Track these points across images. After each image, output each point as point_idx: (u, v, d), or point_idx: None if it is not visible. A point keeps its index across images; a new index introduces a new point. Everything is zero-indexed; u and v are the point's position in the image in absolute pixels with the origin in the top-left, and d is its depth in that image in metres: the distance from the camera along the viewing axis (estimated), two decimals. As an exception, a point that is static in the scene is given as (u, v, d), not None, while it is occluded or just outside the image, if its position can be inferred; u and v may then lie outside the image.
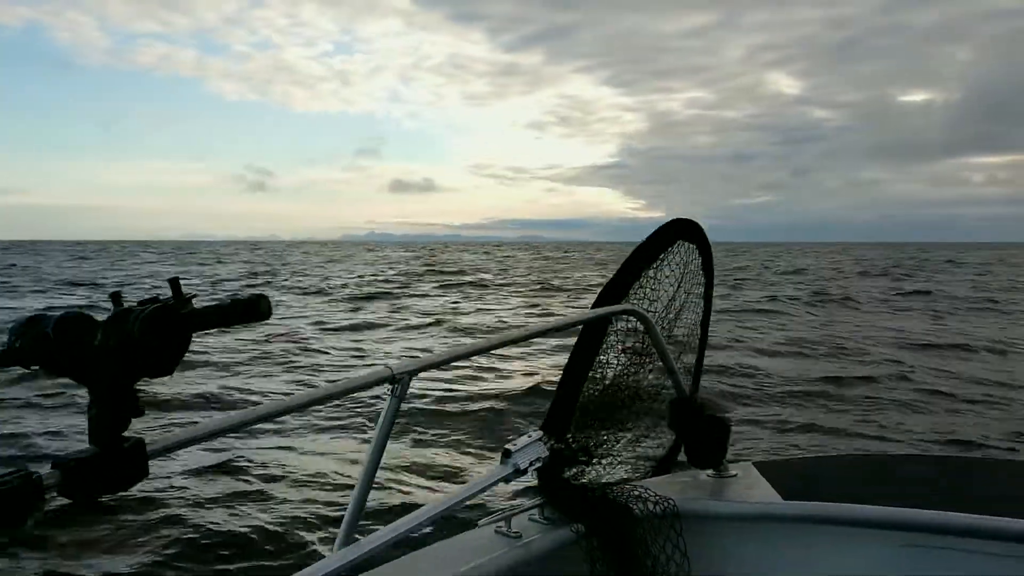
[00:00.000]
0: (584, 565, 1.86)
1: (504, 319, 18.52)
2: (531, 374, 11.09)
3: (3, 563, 4.81)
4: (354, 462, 7.10)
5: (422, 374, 1.63)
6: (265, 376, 11.50)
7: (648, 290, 2.19)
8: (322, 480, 6.60)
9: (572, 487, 1.98)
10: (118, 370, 0.98)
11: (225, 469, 6.91)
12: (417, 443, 7.67)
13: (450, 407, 9.00)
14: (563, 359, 2.16)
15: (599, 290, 2.18)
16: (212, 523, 5.63)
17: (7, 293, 26.90)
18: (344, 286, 31.14)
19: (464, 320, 19.11)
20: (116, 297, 1.01)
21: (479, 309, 21.93)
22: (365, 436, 7.89)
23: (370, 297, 25.56)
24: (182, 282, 1.05)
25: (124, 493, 1.07)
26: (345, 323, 18.29)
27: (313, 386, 9.31)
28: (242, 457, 7.18)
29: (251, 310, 1.02)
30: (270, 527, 5.55)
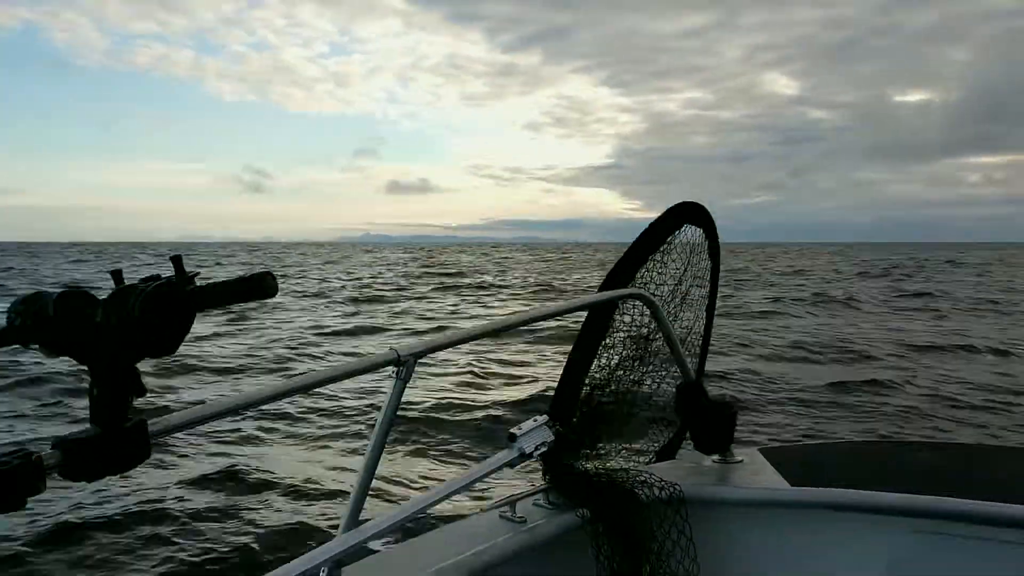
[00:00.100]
0: (589, 550, 1.85)
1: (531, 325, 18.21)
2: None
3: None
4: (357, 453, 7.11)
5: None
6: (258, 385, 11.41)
7: (654, 274, 2.17)
8: (326, 464, 6.60)
9: (577, 472, 1.97)
10: (119, 349, 0.96)
11: (227, 452, 6.92)
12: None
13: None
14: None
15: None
16: (213, 505, 5.65)
17: (5, 296, 26.85)
18: (343, 287, 31.23)
19: (465, 324, 18.98)
20: (117, 275, 0.99)
21: (481, 314, 21.81)
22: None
23: (370, 300, 25.57)
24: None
25: (126, 474, 1.05)
26: (346, 326, 18.23)
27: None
28: (244, 439, 7.18)
29: (256, 287, 0.99)
30: (274, 512, 5.56)
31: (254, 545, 5.03)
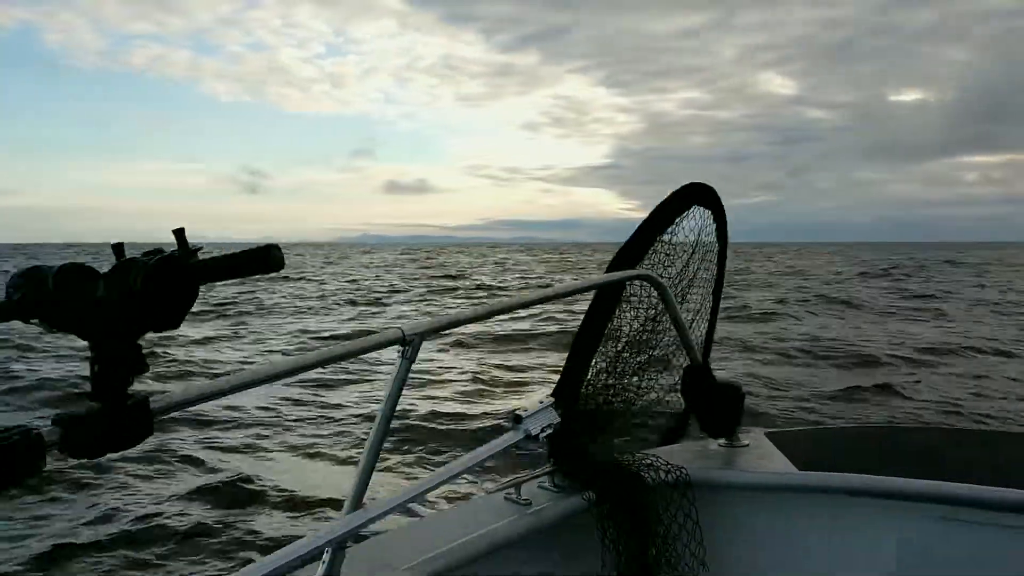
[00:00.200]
0: (595, 533, 1.83)
1: (522, 328, 17.74)
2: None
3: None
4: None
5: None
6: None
7: (662, 255, 2.15)
8: (330, 444, 6.56)
9: (583, 454, 1.94)
10: (121, 324, 0.93)
11: (233, 429, 6.89)
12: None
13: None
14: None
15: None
16: (219, 481, 5.64)
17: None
18: (340, 291, 31.14)
19: (472, 328, 18.52)
20: (119, 248, 0.96)
21: (502, 319, 21.40)
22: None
23: (369, 303, 25.45)
24: None
25: (126, 451, 1.03)
26: (342, 331, 18.10)
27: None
28: (249, 416, 7.15)
29: (262, 260, 0.95)
30: (279, 491, 5.55)
31: (256, 526, 5.02)
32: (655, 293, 2.11)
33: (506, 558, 1.70)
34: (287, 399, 9.09)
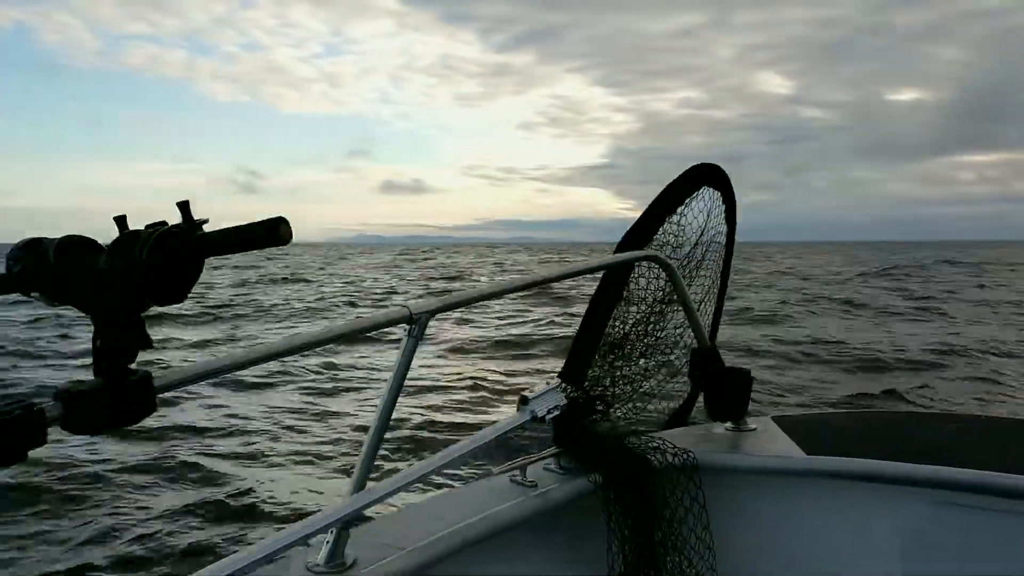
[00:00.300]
0: (601, 515, 1.82)
1: (528, 334, 17.47)
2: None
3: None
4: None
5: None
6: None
7: (671, 236, 2.13)
8: (336, 425, 6.52)
9: (589, 436, 1.92)
10: (124, 297, 0.91)
11: (236, 412, 6.86)
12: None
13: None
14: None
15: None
16: (224, 470, 5.60)
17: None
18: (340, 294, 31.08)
19: (469, 332, 18.38)
20: (122, 221, 0.94)
21: (481, 319, 21.30)
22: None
23: (369, 306, 25.30)
24: None
25: (129, 428, 1.00)
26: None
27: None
28: (253, 398, 7.10)
29: (269, 234, 0.91)
30: (283, 475, 5.52)
31: (260, 507, 4.98)
32: (663, 275, 2.09)
33: (511, 540, 1.69)
34: (283, 408, 9.01)
